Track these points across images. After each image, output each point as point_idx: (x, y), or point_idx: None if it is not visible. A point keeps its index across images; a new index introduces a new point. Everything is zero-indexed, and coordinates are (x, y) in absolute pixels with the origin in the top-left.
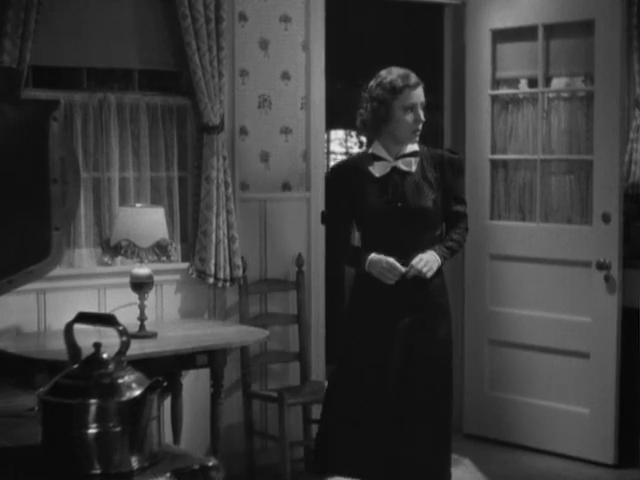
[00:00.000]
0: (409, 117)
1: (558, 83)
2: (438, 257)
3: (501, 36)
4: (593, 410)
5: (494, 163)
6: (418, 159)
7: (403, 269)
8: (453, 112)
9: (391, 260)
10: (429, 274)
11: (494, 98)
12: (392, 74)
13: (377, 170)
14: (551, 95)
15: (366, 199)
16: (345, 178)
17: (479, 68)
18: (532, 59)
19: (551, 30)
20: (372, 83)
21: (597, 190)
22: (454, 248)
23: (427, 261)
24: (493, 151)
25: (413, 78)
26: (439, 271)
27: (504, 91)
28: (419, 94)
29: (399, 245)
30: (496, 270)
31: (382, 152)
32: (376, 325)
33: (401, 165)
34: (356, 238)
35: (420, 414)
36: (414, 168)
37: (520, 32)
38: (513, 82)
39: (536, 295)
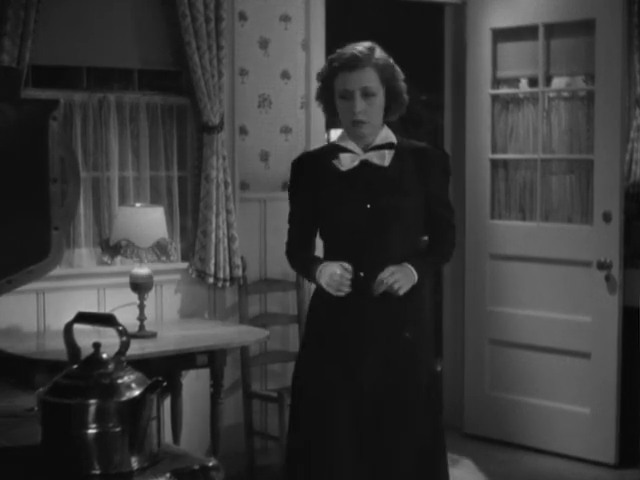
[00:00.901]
0: (344, 106)
1: (559, 82)
2: (415, 272)
3: (501, 35)
4: (594, 410)
5: (494, 162)
6: (393, 152)
7: (351, 274)
8: (453, 111)
9: (344, 265)
10: (401, 291)
11: (494, 97)
12: (339, 51)
13: (343, 163)
14: (552, 95)
15: (328, 198)
16: (304, 172)
17: (479, 67)
18: (533, 58)
19: (552, 29)
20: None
21: (598, 189)
22: (436, 263)
23: (400, 275)
24: (493, 150)
25: (356, 58)
26: (420, 290)
27: (504, 91)
28: (358, 78)
29: (369, 255)
30: (496, 270)
31: (349, 143)
32: (335, 358)
33: (373, 158)
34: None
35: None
36: (388, 162)
37: (520, 31)
38: (513, 81)
39: (536, 295)
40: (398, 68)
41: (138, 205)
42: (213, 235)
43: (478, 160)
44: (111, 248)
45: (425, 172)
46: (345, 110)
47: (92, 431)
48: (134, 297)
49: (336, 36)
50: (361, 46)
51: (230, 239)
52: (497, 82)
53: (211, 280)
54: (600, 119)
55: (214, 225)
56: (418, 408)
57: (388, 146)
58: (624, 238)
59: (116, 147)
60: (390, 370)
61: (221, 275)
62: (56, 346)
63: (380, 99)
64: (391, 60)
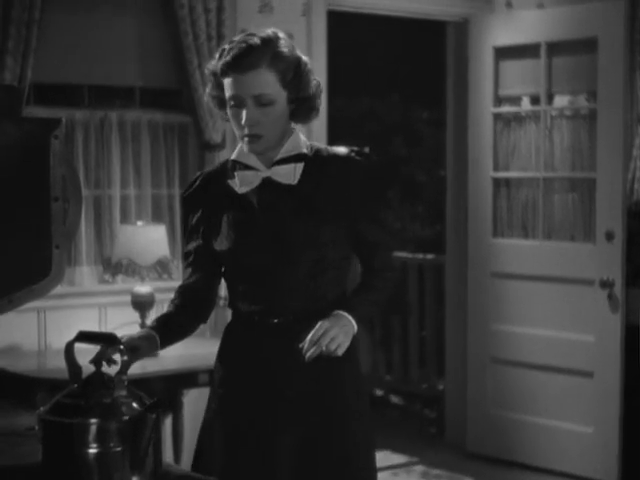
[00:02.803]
0: (235, 114)
1: (561, 100)
2: (352, 320)
3: (503, 53)
4: (597, 429)
5: (496, 181)
6: (302, 165)
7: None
8: (455, 129)
9: (115, 354)
10: (340, 350)
11: (496, 116)
12: (234, 40)
13: (240, 183)
14: (554, 113)
15: (223, 229)
16: (195, 199)
17: (481, 85)
18: (535, 76)
19: (554, 47)
20: None
21: (600, 208)
22: (376, 303)
23: (337, 330)
24: (495, 169)
25: (248, 56)
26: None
27: (507, 109)
28: (250, 83)
29: (279, 302)
30: (499, 288)
31: (248, 157)
32: (244, 436)
33: (276, 175)
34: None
35: None
36: (296, 178)
37: (523, 49)
38: (516, 100)
39: (539, 313)
40: (306, 63)
41: (139, 223)
42: None
43: (480, 178)
44: (112, 266)
45: (345, 186)
46: (235, 120)
47: (93, 450)
48: (135, 316)
49: (338, 54)
50: (257, 37)
51: None
52: (499, 100)
53: None
54: (602, 137)
55: None
56: None
57: (296, 158)
58: (626, 256)
59: (118, 165)
60: (312, 450)
61: (222, 293)
62: (57, 365)
63: (280, 107)
64: (297, 53)
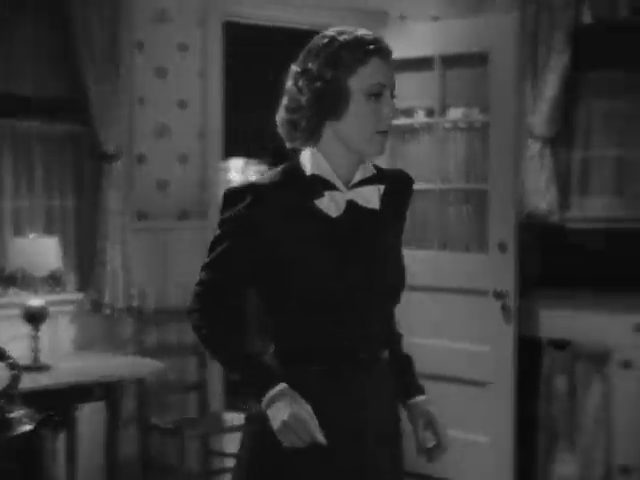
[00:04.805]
0: (370, 108)
1: (455, 113)
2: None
3: (398, 66)
4: (492, 439)
5: None
6: (382, 188)
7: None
8: None
9: (307, 412)
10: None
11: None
12: (347, 33)
13: (330, 205)
14: (447, 125)
15: (306, 258)
16: (267, 213)
17: None
18: (429, 89)
19: (448, 61)
20: (311, 47)
21: (492, 219)
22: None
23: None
24: None
25: (384, 42)
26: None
27: (401, 122)
28: (391, 70)
29: (351, 330)
30: None
31: (328, 172)
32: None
33: (361, 198)
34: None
35: None
36: (377, 202)
37: (417, 62)
38: (410, 112)
39: (435, 324)
40: None
41: (32, 235)
42: (109, 265)
43: None
44: (5, 279)
45: (404, 207)
46: (370, 114)
47: None
48: (27, 329)
49: (239, 65)
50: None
51: (126, 269)
52: None
53: (107, 311)
54: (494, 150)
55: (110, 255)
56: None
57: (373, 179)
58: (520, 267)
59: (9, 176)
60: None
61: (117, 306)
62: None
63: None
64: None
